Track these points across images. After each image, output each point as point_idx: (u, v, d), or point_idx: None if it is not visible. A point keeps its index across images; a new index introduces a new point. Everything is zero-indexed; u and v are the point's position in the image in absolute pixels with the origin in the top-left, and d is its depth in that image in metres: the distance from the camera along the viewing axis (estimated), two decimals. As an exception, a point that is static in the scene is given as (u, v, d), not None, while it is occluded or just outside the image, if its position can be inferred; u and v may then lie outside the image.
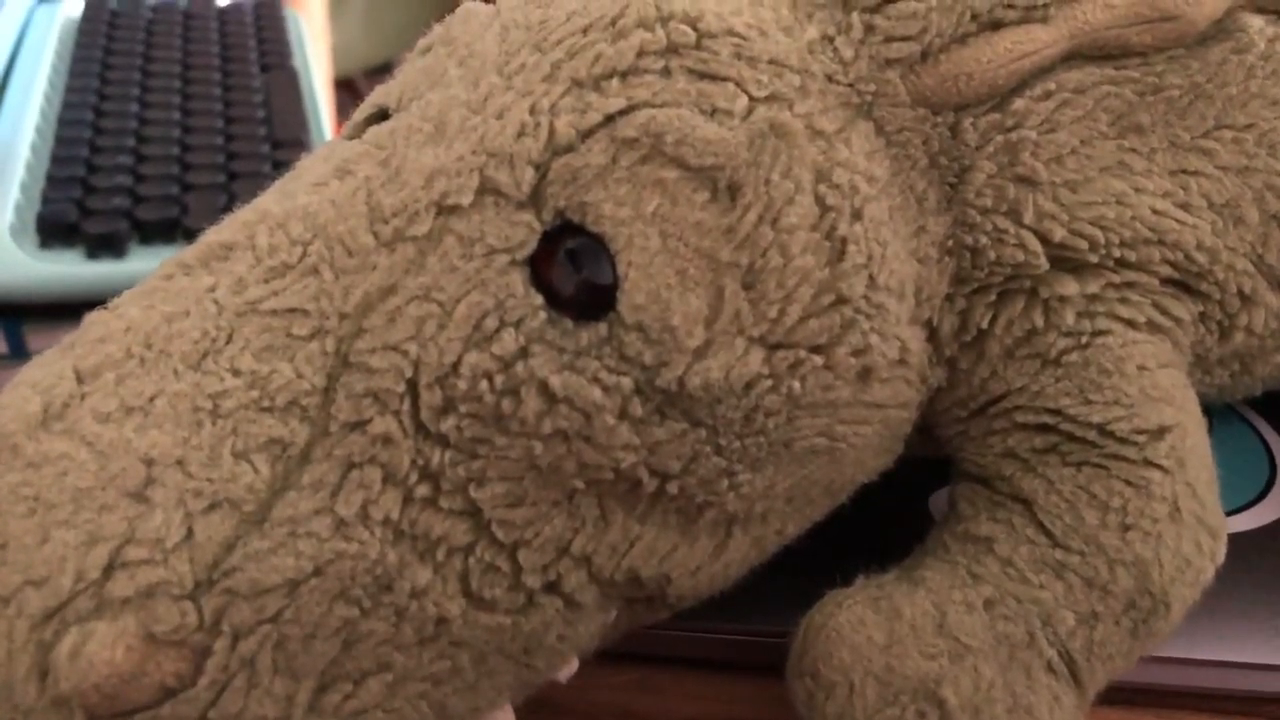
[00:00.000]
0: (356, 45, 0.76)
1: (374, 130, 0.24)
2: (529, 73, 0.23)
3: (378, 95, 0.26)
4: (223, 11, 0.63)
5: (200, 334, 0.22)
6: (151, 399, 0.21)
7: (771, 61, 0.23)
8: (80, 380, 0.22)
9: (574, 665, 0.24)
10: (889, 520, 0.28)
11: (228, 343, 0.21)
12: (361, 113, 0.26)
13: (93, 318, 0.23)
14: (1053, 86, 0.25)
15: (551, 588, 0.22)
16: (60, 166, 0.48)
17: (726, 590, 0.26)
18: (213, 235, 0.23)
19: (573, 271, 0.22)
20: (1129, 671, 0.25)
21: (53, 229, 0.44)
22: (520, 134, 0.22)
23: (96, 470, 0.20)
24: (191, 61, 0.57)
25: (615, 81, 0.22)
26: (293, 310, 0.22)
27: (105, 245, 0.44)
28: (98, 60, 0.56)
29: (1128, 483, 0.24)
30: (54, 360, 0.22)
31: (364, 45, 0.78)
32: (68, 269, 0.43)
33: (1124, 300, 0.25)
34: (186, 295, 0.22)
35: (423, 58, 0.26)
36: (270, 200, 0.24)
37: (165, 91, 0.54)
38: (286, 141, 0.50)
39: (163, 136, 0.50)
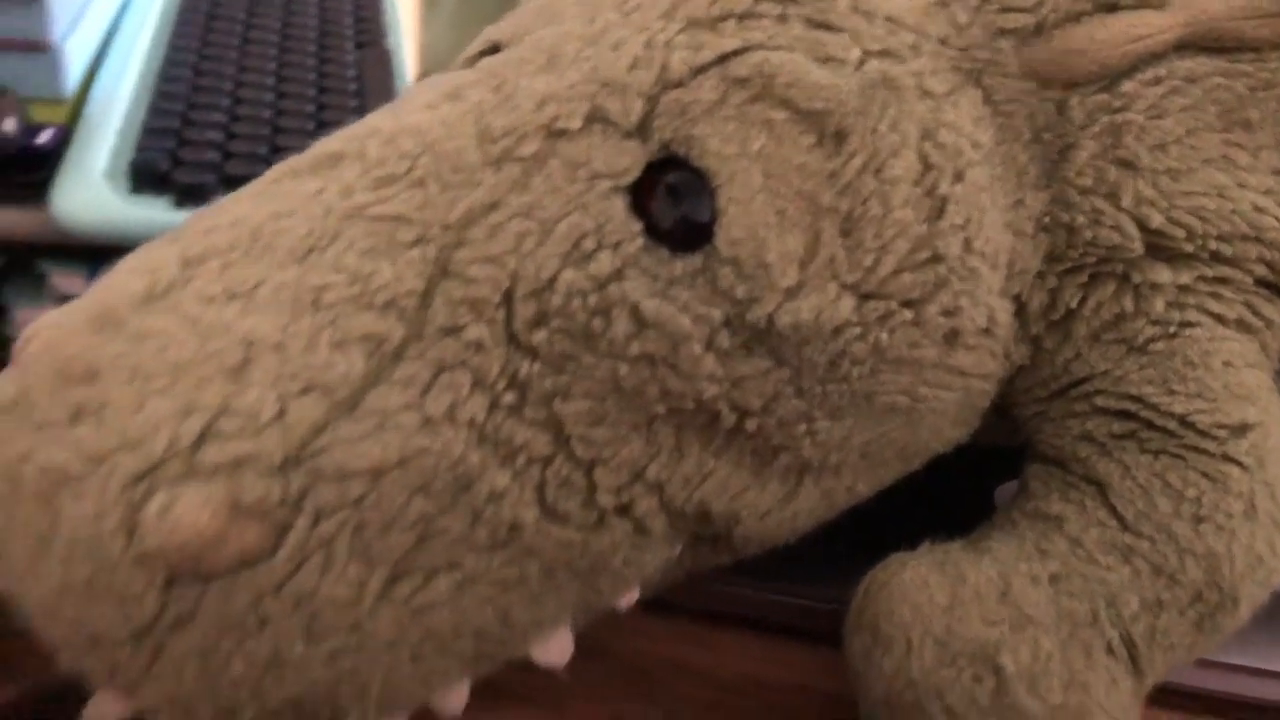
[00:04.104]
0: (443, 44, 0.78)
1: (487, 60, 0.25)
2: (646, 10, 0.23)
3: (490, 32, 0.26)
4: (325, -11, 0.64)
5: (306, 231, 0.22)
6: (255, 287, 0.21)
7: (888, 18, 0.23)
8: (186, 265, 0.22)
9: (634, 595, 0.24)
10: (954, 511, 0.28)
11: (333, 242, 0.22)
12: (473, 48, 0.27)
13: (199, 213, 0.24)
14: (1163, 73, 0.25)
15: (623, 510, 0.22)
16: (157, 117, 0.49)
17: (790, 552, 0.26)
18: (321, 146, 0.24)
19: (672, 205, 0.22)
20: (1184, 675, 0.25)
21: (144, 175, 0.45)
22: (634, 66, 0.22)
23: (196, 347, 0.21)
24: (290, 31, 0.59)
25: (732, 23, 0.23)
26: (398, 217, 0.22)
27: (192, 195, 0.45)
28: (201, 20, 0.57)
29: (1205, 475, 0.24)
30: (159, 247, 0.23)
31: (451, 44, 0.79)
32: (155, 215, 0.44)
33: (1216, 295, 0.25)
34: (294, 196, 0.23)
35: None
36: (380, 118, 0.24)
37: (262, 58, 0.56)
38: (377, 116, 0.51)
39: (256, 99, 0.51)
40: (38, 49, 0.47)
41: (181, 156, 0.46)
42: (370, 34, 0.61)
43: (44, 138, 0.46)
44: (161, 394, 0.20)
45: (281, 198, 0.23)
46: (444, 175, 0.22)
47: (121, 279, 0.22)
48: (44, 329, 0.22)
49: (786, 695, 0.27)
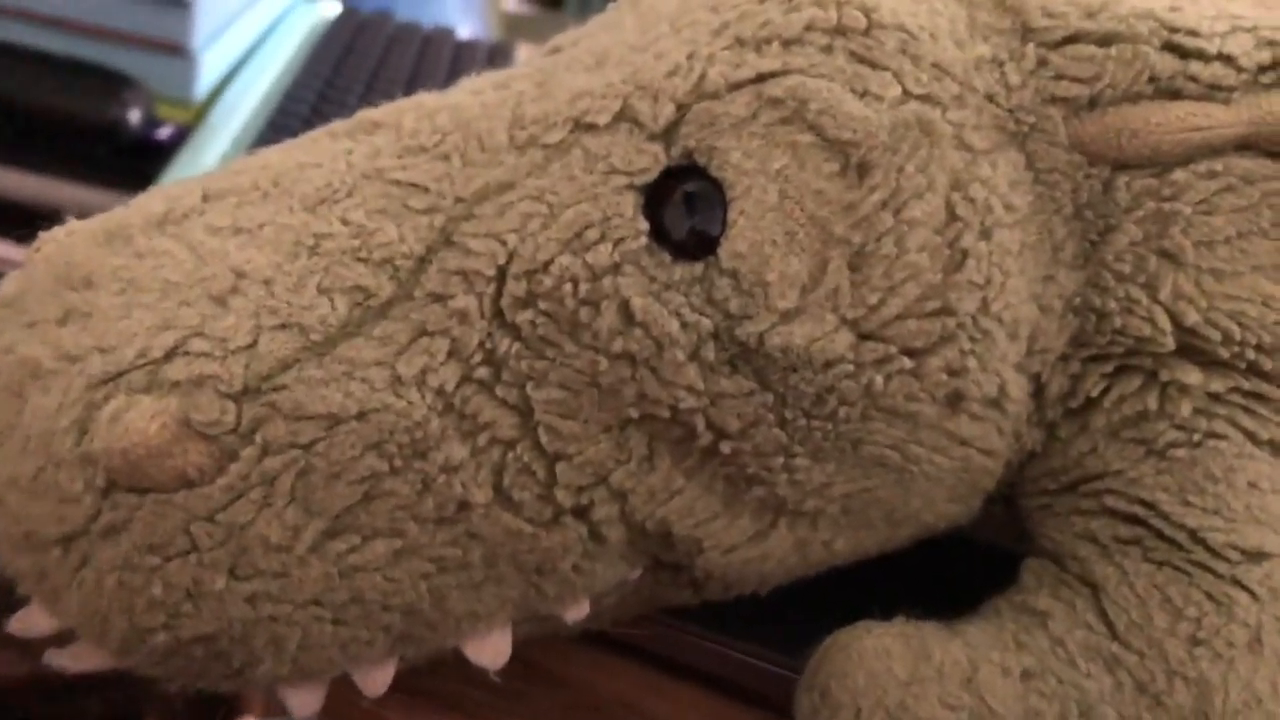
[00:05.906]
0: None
1: (541, 59, 0.25)
2: (698, 27, 0.23)
3: (556, 39, 0.27)
4: (459, 45, 0.66)
5: (324, 183, 0.22)
6: (261, 225, 0.22)
7: (935, 65, 0.23)
8: (205, 199, 0.23)
9: (584, 609, 0.23)
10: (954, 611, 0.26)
11: (347, 196, 0.22)
12: (539, 53, 0.27)
13: (238, 159, 0.24)
14: (1219, 168, 0.24)
15: (581, 513, 0.22)
16: (273, 132, 0.50)
17: (772, 615, 0.25)
18: (366, 113, 0.25)
19: (686, 214, 0.22)
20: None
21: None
22: (672, 73, 0.22)
23: (190, 270, 0.21)
24: (417, 84, 0.61)
25: (776, 45, 0.23)
26: (415, 185, 0.22)
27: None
28: (336, 54, 0.59)
29: (1209, 596, 0.22)
30: (190, 181, 0.24)
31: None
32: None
33: (1250, 411, 0.24)
34: (324, 151, 0.23)
35: (606, 14, 0.27)
36: (427, 96, 0.25)
37: (386, 96, 0.57)
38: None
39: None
40: (177, 53, 0.49)
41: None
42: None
43: (163, 133, 0.48)
44: (146, 308, 0.21)
45: (313, 152, 0.23)
46: (469, 153, 0.23)
47: (146, 201, 0.23)
48: (57, 236, 0.22)
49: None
